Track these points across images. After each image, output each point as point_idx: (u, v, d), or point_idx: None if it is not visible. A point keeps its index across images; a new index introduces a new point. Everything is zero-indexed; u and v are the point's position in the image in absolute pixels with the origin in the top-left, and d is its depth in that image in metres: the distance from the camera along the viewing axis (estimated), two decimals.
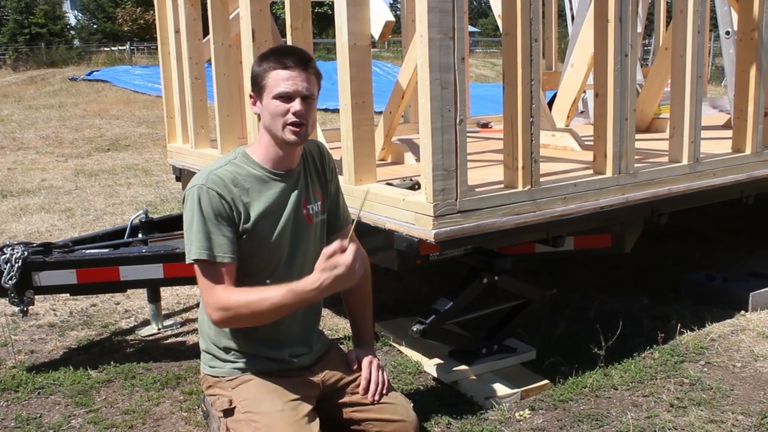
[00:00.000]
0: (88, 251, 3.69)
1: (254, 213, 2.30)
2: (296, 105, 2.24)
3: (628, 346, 3.55)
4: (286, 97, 2.24)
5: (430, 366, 3.34)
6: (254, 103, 2.34)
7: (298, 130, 2.26)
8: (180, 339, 3.94)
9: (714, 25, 5.73)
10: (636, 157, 3.49)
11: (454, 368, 3.23)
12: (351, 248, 2.14)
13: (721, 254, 5.14)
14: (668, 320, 3.88)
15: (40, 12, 36.75)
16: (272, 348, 2.37)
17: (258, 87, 2.30)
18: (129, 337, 3.99)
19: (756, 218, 5.71)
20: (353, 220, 2.33)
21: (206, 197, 2.23)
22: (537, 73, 3.00)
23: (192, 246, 2.23)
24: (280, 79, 2.24)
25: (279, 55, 2.28)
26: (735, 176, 3.86)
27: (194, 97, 4.63)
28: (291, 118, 2.25)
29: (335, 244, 2.14)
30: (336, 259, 2.12)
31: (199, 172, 2.32)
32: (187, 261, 2.26)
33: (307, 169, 2.46)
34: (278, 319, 2.32)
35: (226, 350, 2.38)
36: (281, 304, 2.19)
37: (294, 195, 2.38)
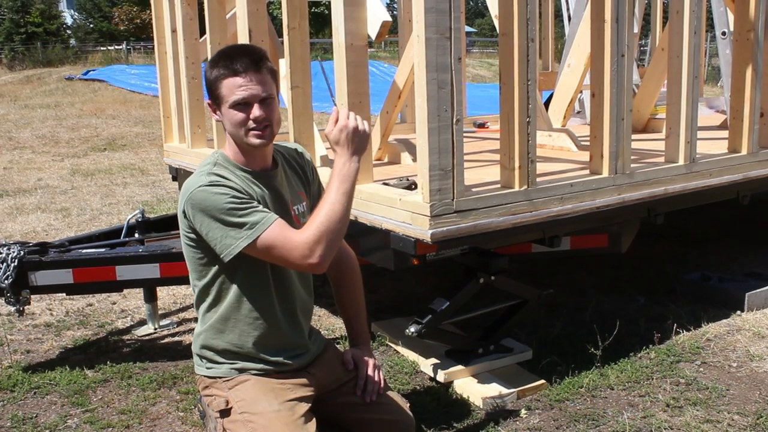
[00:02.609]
0: (84, 251, 3.69)
1: None
2: (255, 111, 2.20)
3: (625, 346, 3.55)
4: (243, 104, 2.20)
5: (427, 366, 3.34)
6: (214, 111, 2.29)
7: (262, 133, 2.22)
8: (176, 339, 3.94)
9: (710, 26, 5.75)
10: (632, 157, 3.50)
11: (451, 368, 3.24)
12: (343, 110, 2.28)
13: (717, 254, 5.15)
14: (664, 320, 3.88)
15: (36, 11, 36.64)
16: (268, 351, 2.37)
17: (214, 96, 2.25)
18: (125, 337, 3.98)
19: (752, 218, 5.73)
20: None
21: (217, 190, 2.18)
22: (533, 74, 3.00)
23: (241, 233, 2.15)
24: (234, 87, 2.18)
25: (228, 61, 2.20)
26: (731, 176, 3.86)
27: (191, 96, 4.63)
28: (252, 124, 2.21)
29: (332, 116, 2.26)
30: (339, 124, 2.22)
31: (193, 177, 2.27)
32: (250, 242, 2.16)
33: (287, 171, 2.45)
34: (269, 323, 2.33)
35: (222, 353, 2.37)
36: (345, 195, 2.20)
37: (279, 196, 2.37)
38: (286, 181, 2.42)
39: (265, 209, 2.22)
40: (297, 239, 2.17)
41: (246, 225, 2.16)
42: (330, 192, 2.21)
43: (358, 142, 2.24)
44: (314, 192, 2.55)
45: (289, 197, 2.40)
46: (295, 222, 2.39)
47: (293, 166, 2.49)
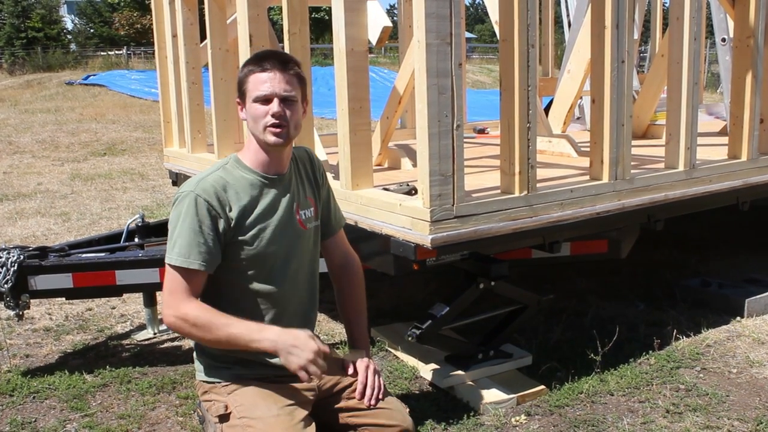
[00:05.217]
0: (84, 255, 3.69)
1: (246, 218, 2.30)
2: (274, 107, 2.25)
3: (624, 351, 3.55)
4: (264, 100, 2.25)
5: (426, 371, 3.34)
6: (241, 109, 2.35)
7: (278, 131, 2.26)
8: (176, 343, 3.93)
9: (710, 32, 5.76)
10: (632, 163, 3.50)
11: (450, 373, 3.23)
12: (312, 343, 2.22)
13: (716, 260, 5.15)
14: (664, 326, 3.88)
15: (36, 16, 36.70)
16: (267, 355, 2.36)
17: (241, 92, 2.32)
18: (124, 342, 3.98)
19: (751, 224, 5.73)
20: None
21: (195, 204, 2.23)
22: (534, 79, 3.01)
23: (172, 251, 2.24)
24: (258, 82, 2.25)
25: (258, 59, 2.30)
26: (731, 183, 3.87)
27: (191, 101, 4.63)
28: (270, 120, 2.25)
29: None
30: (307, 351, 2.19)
31: (192, 178, 2.32)
32: (166, 261, 2.26)
33: (297, 175, 2.47)
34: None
35: (221, 360, 2.37)
36: (236, 339, 2.20)
37: (286, 200, 2.38)
38: (296, 186, 2.44)
39: (206, 255, 2.23)
40: (182, 299, 2.22)
41: (183, 252, 2.22)
42: (239, 326, 2.20)
43: (289, 359, 2.20)
44: (323, 196, 2.57)
45: (296, 202, 2.42)
46: (300, 227, 2.41)
47: (305, 170, 2.52)
